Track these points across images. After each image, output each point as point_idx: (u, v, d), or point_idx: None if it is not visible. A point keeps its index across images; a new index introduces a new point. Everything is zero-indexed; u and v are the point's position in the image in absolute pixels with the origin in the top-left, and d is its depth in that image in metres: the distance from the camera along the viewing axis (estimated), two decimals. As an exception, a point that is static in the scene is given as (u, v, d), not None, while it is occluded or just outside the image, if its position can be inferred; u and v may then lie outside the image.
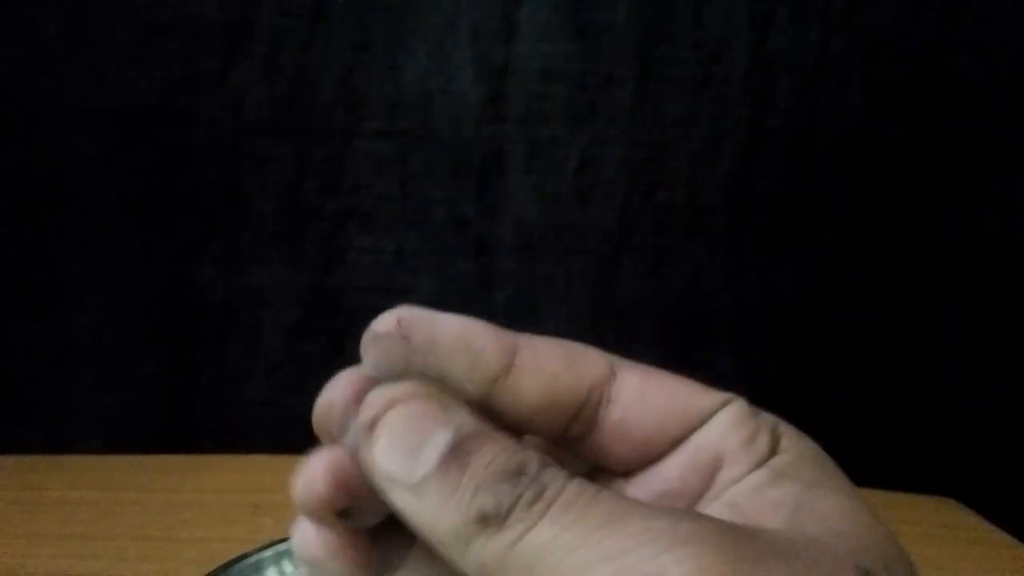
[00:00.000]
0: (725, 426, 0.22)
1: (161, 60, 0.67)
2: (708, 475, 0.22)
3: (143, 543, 0.51)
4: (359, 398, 0.21)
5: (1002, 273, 0.71)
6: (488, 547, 0.18)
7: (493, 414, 0.22)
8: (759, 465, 0.21)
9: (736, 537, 0.18)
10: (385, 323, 0.22)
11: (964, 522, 0.62)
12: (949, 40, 0.69)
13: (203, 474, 0.61)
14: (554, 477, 0.19)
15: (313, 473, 0.21)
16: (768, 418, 0.22)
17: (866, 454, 0.71)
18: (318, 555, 0.21)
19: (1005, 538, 0.59)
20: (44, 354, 0.71)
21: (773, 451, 0.21)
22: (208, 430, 0.72)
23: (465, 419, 0.20)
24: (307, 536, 0.21)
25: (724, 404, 0.22)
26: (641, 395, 0.22)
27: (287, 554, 0.41)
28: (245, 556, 0.40)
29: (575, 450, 0.23)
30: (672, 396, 0.23)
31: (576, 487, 0.18)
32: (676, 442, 0.22)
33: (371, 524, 0.22)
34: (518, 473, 0.18)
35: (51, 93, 0.67)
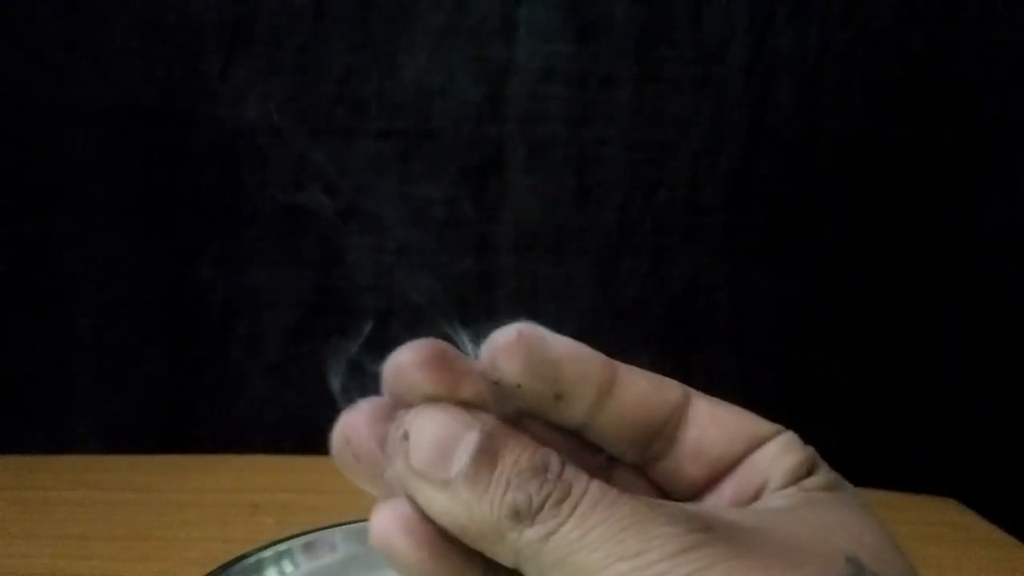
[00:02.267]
0: (776, 453, 0.24)
1: (161, 60, 0.68)
2: (755, 494, 0.24)
3: (143, 543, 0.51)
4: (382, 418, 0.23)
5: (1002, 273, 0.71)
6: (522, 539, 0.20)
7: (589, 436, 0.24)
8: (793, 484, 0.24)
9: (742, 539, 0.20)
10: (506, 335, 0.23)
11: (964, 522, 0.62)
12: (949, 40, 0.69)
13: (203, 474, 0.61)
14: (576, 476, 0.20)
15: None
16: (811, 450, 0.24)
17: (866, 454, 0.71)
18: (395, 538, 0.22)
19: (1005, 538, 0.59)
20: (44, 354, 0.71)
21: (809, 475, 0.24)
22: (208, 430, 0.72)
23: (490, 420, 0.22)
24: (383, 519, 0.22)
25: (778, 432, 0.25)
26: (713, 418, 0.25)
27: (287, 554, 0.41)
28: (245, 556, 0.40)
29: (654, 472, 0.25)
30: (738, 420, 0.25)
31: (598, 488, 0.20)
32: (737, 462, 0.24)
33: None
34: (543, 469, 0.20)
35: (51, 93, 0.67)
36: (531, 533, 0.20)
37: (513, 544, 0.20)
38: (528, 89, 0.69)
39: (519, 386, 0.22)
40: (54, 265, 0.70)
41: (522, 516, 0.20)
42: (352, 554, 0.41)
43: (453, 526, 0.21)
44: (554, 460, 0.21)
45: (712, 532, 0.20)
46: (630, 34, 0.68)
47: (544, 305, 0.71)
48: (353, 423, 0.23)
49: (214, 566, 0.39)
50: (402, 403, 0.23)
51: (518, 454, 0.21)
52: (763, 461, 0.24)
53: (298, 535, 0.41)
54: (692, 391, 0.25)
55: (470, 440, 0.21)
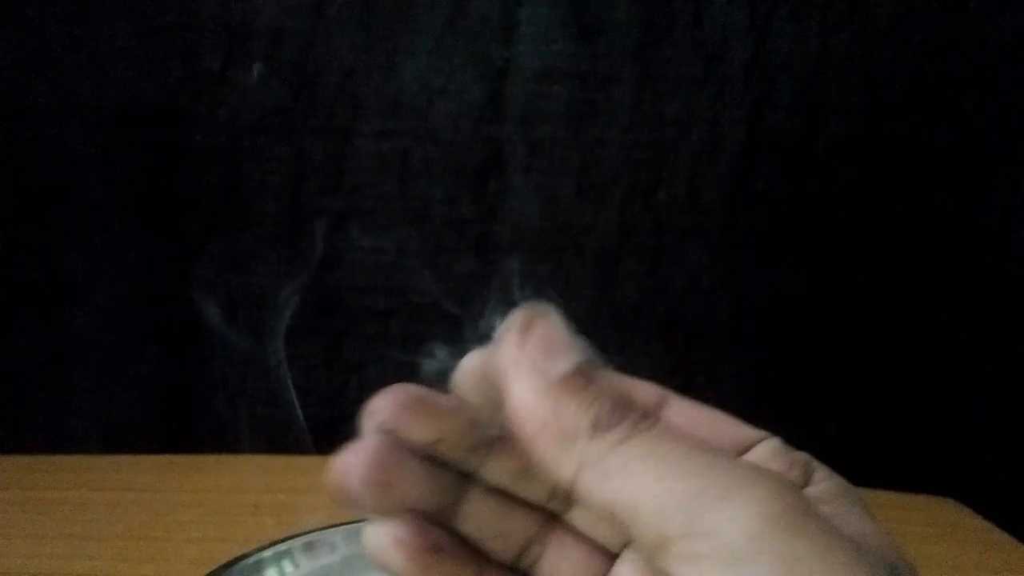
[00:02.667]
0: (764, 457, 0.25)
1: (161, 60, 0.68)
2: None
3: (143, 543, 0.51)
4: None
5: (1002, 273, 0.71)
6: (591, 447, 0.21)
7: None
8: None
9: (793, 490, 0.21)
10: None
11: (964, 522, 0.62)
12: (949, 40, 0.69)
13: (203, 474, 0.61)
14: (649, 413, 0.22)
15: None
16: (800, 455, 0.25)
17: (866, 454, 0.71)
18: (389, 550, 0.23)
19: (1005, 538, 0.59)
20: (44, 354, 0.71)
21: (807, 483, 0.24)
22: (208, 430, 0.72)
23: (589, 352, 0.23)
24: (378, 532, 0.23)
25: (761, 439, 0.25)
26: (690, 420, 0.25)
27: (287, 554, 0.41)
28: (245, 556, 0.40)
29: None
30: (717, 425, 0.25)
31: (668, 427, 0.22)
32: None
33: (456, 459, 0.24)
34: (627, 404, 0.22)
35: (51, 93, 0.67)
36: (604, 440, 0.21)
37: (583, 451, 0.21)
38: (528, 89, 0.69)
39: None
40: (54, 265, 0.70)
41: (599, 429, 0.21)
42: (352, 554, 0.41)
43: (532, 423, 0.22)
44: (637, 403, 0.22)
45: (771, 482, 0.20)
46: (630, 34, 0.68)
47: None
48: (349, 462, 0.23)
49: (214, 566, 0.39)
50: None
51: (609, 383, 0.22)
52: None
53: (298, 535, 0.41)
54: (671, 394, 0.26)
55: (577, 351, 0.23)
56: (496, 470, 0.25)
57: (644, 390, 0.25)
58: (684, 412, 0.25)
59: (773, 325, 0.72)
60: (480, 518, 0.25)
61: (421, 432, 0.23)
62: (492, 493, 0.25)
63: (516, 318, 0.24)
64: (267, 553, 0.40)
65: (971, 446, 0.73)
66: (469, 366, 0.25)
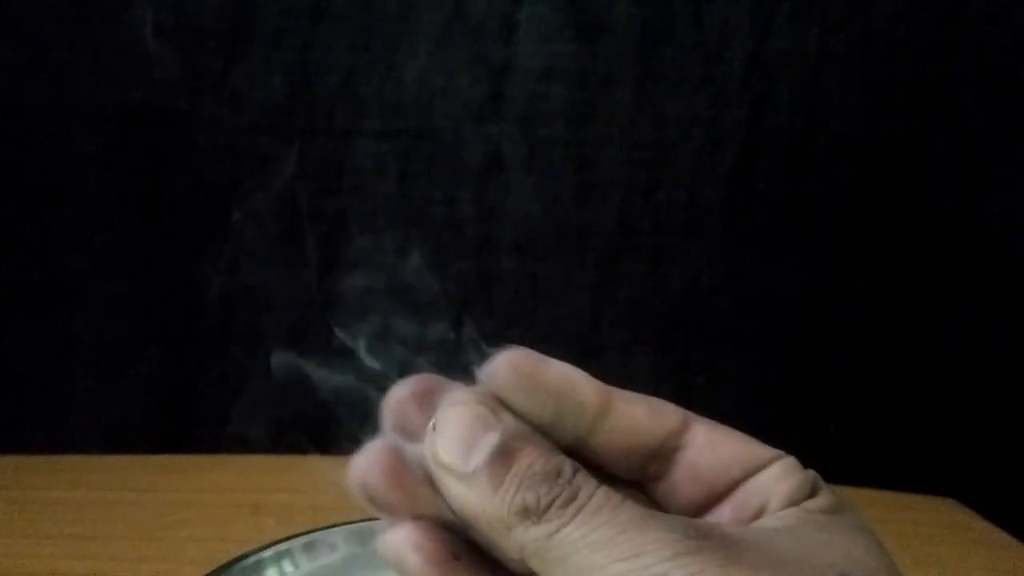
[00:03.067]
0: (776, 476, 0.25)
1: (161, 60, 0.67)
2: (755, 515, 0.25)
3: (143, 543, 0.51)
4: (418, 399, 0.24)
5: (1002, 273, 0.71)
6: (527, 535, 0.21)
7: (584, 454, 0.25)
8: (794, 505, 0.24)
9: (737, 549, 0.21)
10: (503, 360, 0.24)
11: (964, 522, 0.62)
12: (949, 40, 0.69)
13: (203, 474, 0.61)
14: (586, 481, 0.22)
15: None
16: (811, 473, 0.25)
17: (866, 454, 0.71)
18: (406, 555, 0.23)
19: (1005, 538, 0.59)
20: (44, 354, 0.71)
21: (811, 497, 0.24)
22: (208, 430, 0.72)
23: (512, 423, 0.23)
24: (396, 537, 0.23)
25: (778, 458, 0.25)
26: (711, 443, 0.25)
27: (287, 554, 0.41)
28: (245, 556, 0.40)
29: (652, 492, 0.26)
30: (736, 446, 0.26)
31: (604, 494, 0.21)
32: (735, 486, 0.25)
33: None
34: (555, 475, 0.22)
35: (51, 93, 0.67)
36: (537, 531, 0.21)
37: (519, 539, 0.21)
38: (528, 89, 0.69)
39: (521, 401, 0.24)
40: (54, 265, 0.70)
41: (530, 514, 0.21)
42: (352, 554, 0.41)
43: (467, 514, 0.22)
44: (567, 466, 0.22)
45: (708, 539, 0.21)
46: (630, 34, 0.68)
47: (544, 305, 0.71)
48: (365, 468, 0.24)
49: (214, 566, 0.39)
50: (406, 435, 0.24)
51: (533, 458, 0.22)
52: (763, 483, 0.25)
53: (298, 535, 0.41)
54: (692, 416, 0.26)
55: (490, 439, 0.22)
56: None
57: (666, 416, 0.25)
58: (703, 436, 0.25)
59: (773, 325, 0.72)
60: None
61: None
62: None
63: (428, 425, 0.23)
64: (267, 553, 0.40)
65: (971, 446, 0.73)
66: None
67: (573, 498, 0.21)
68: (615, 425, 0.25)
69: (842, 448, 0.70)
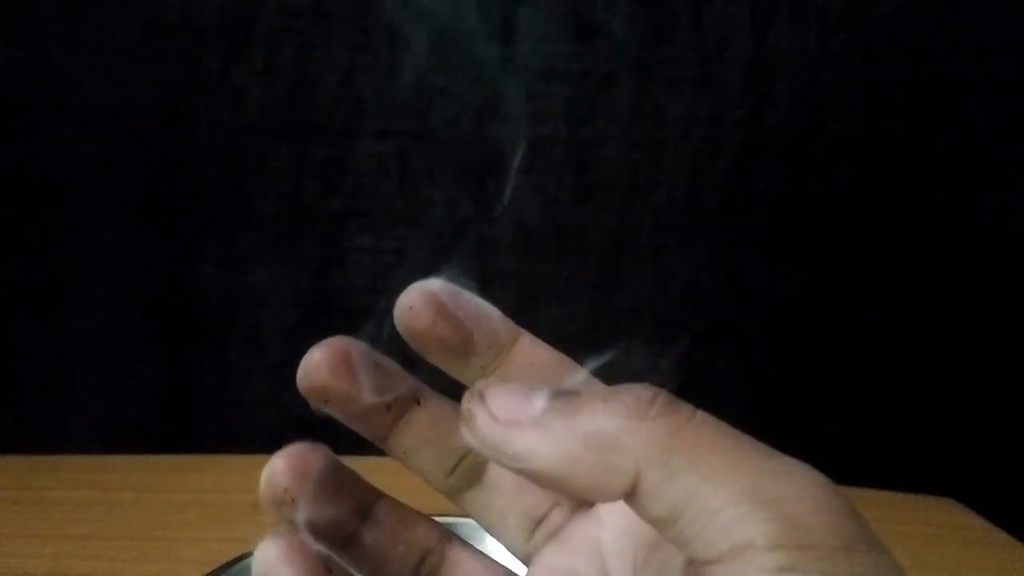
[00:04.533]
0: None
1: (161, 60, 0.67)
2: None
3: (143, 543, 0.51)
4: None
5: (1002, 273, 0.71)
6: (653, 430, 0.19)
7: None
8: None
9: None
10: (424, 285, 0.26)
11: (964, 522, 0.62)
12: (949, 40, 0.69)
13: (203, 474, 0.61)
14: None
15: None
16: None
17: (866, 454, 0.71)
18: (279, 565, 0.23)
19: (1005, 538, 0.59)
20: (44, 354, 0.71)
21: None
22: (208, 430, 0.72)
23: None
24: (269, 547, 0.23)
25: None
26: (537, 359, 0.26)
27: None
28: (245, 556, 0.40)
29: None
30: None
31: (704, 415, 0.20)
32: None
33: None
34: (655, 391, 0.20)
35: (51, 93, 0.67)
36: (664, 423, 0.19)
37: (639, 442, 0.19)
38: (528, 89, 0.69)
39: (434, 324, 0.25)
40: (54, 265, 0.70)
41: (636, 413, 0.19)
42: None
43: (543, 460, 0.20)
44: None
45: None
46: (630, 34, 0.68)
47: (544, 305, 0.71)
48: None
49: (214, 566, 0.39)
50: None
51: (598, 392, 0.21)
52: None
53: (298, 535, 0.41)
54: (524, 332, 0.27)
55: (541, 391, 0.21)
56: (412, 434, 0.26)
57: (567, 368, 0.26)
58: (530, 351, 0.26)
59: (773, 325, 0.72)
60: (390, 523, 0.25)
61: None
62: (398, 506, 0.26)
63: (465, 402, 0.22)
64: (267, 553, 0.40)
65: (971, 446, 0.73)
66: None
67: (676, 402, 0.20)
68: (520, 362, 0.26)
69: (842, 448, 0.70)
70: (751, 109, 0.69)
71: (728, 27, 0.68)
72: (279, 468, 0.24)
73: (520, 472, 0.20)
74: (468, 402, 0.21)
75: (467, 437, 0.21)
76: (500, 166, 0.70)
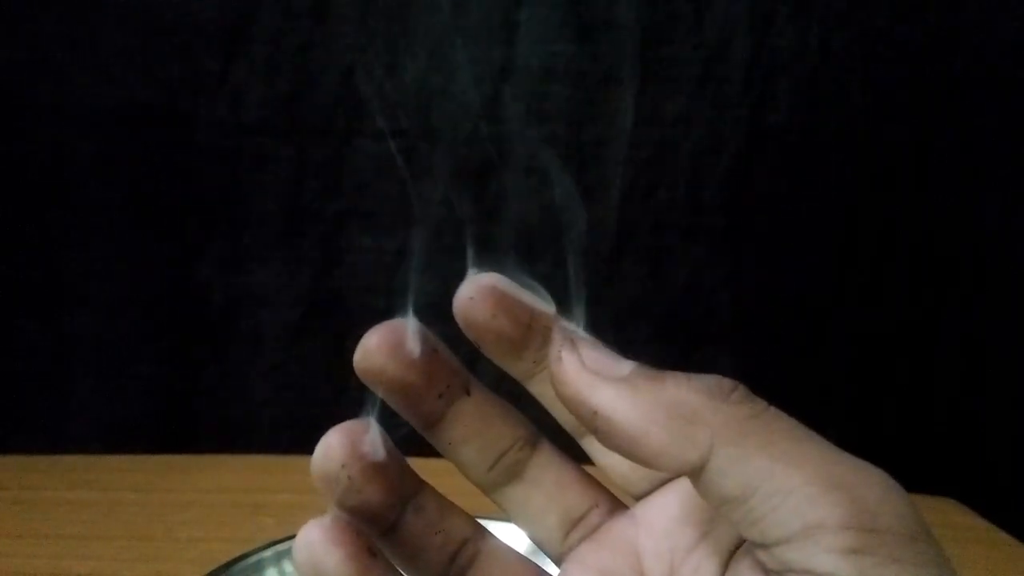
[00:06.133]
0: None
1: (161, 60, 0.67)
2: None
3: (143, 543, 0.51)
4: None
5: (1002, 273, 0.71)
6: (727, 413, 0.20)
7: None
8: None
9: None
10: (484, 277, 0.27)
11: (964, 522, 0.62)
12: (949, 40, 0.68)
13: (203, 474, 0.61)
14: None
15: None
16: None
17: (866, 454, 0.71)
18: (322, 551, 0.22)
19: (1005, 538, 0.59)
20: (44, 354, 0.71)
21: None
22: (208, 430, 0.72)
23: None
24: (314, 530, 0.23)
25: None
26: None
27: (287, 554, 0.41)
28: (245, 556, 0.40)
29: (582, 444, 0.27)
30: None
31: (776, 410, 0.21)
32: None
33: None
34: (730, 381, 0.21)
35: (51, 93, 0.67)
36: (740, 409, 0.20)
37: (711, 420, 0.20)
38: (528, 89, 0.69)
39: (494, 317, 0.25)
40: (54, 265, 0.70)
41: (720, 396, 0.20)
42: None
43: (619, 417, 0.21)
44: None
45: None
46: (630, 34, 0.68)
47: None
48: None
49: (214, 566, 0.39)
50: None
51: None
52: None
53: (298, 535, 0.41)
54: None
55: (627, 360, 0.22)
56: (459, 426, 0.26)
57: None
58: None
59: (773, 325, 0.72)
60: (431, 511, 0.25)
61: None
62: (438, 495, 0.26)
63: (555, 346, 0.23)
64: (267, 553, 0.40)
65: (971, 446, 0.73)
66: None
67: (749, 394, 0.21)
68: None
69: (842, 448, 0.70)
70: (751, 109, 0.69)
71: (728, 27, 0.68)
72: (334, 443, 0.23)
73: (594, 426, 0.21)
74: (559, 346, 0.22)
75: (554, 380, 0.22)
76: (500, 166, 0.70)
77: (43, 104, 0.67)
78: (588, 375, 0.22)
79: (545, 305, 0.26)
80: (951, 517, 0.63)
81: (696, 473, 0.20)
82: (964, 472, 0.69)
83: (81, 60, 0.67)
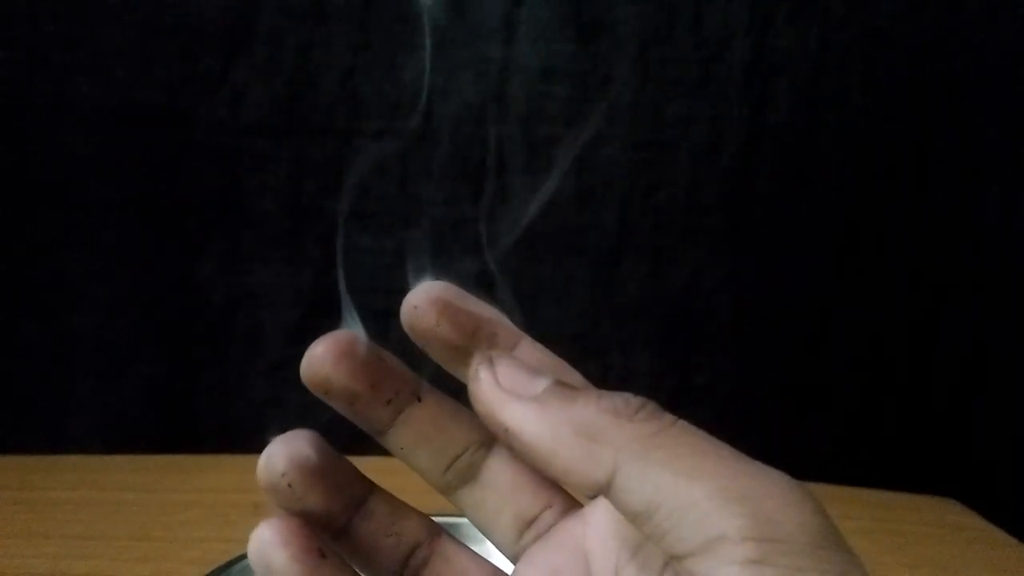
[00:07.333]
0: None
1: (161, 60, 0.67)
2: None
3: (143, 543, 0.51)
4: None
5: (1002, 273, 0.71)
6: (630, 431, 0.20)
7: None
8: None
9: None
10: (430, 285, 0.27)
11: (964, 522, 0.62)
12: (949, 40, 0.69)
13: (203, 474, 0.61)
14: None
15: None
16: None
17: (866, 454, 0.71)
18: (272, 550, 0.23)
19: (1005, 538, 0.59)
20: (44, 354, 0.71)
21: None
22: (208, 430, 0.72)
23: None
24: (265, 531, 0.24)
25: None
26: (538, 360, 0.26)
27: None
28: (245, 556, 0.40)
29: None
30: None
31: (684, 423, 0.21)
32: None
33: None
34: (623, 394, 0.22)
35: (51, 93, 0.67)
36: (641, 427, 0.20)
37: (615, 439, 0.20)
38: (528, 89, 0.69)
39: (438, 325, 0.25)
40: (54, 265, 0.70)
41: (625, 415, 0.21)
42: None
43: (530, 436, 0.21)
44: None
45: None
46: (630, 34, 0.68)
47: (544, 305, 0.71)
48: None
49: (214, 566, 0.39)
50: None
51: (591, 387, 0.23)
52: None
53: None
54: (525, 336, 0.27)
55: (545, 376, 0.23)
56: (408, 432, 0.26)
57: (570, 375, 0.26)
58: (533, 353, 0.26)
59: (773, 325, 0.72)
60: (381, 515, 0.26)
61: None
62: (390, 499, 0.26)
63: (475, 363, 0.23)
64: (267, 553, 0.40)
65: (971, 446, 0.73)
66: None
67: (659, 411, 0.21)
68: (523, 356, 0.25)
69: (842, 448, 0.70)
70: (751, 109, 0.69)
71: (728, 27, 0.68)
72: (275, 453, 0.24)
73: (507, 442, 0.22)
74: (478, 363, 0.23)
75: (471, 398, 0.23)
76: (500, 166, 0.70)
77: (43, 104, 0.67)
78: (501, 393, 0.22)
79: (492, 312, 0.26)
80: (951, 517, 0.63)
81: (604, 490, 0.21)
82: (964, 472, 0.70)
83: (81, 60, 0.67)
